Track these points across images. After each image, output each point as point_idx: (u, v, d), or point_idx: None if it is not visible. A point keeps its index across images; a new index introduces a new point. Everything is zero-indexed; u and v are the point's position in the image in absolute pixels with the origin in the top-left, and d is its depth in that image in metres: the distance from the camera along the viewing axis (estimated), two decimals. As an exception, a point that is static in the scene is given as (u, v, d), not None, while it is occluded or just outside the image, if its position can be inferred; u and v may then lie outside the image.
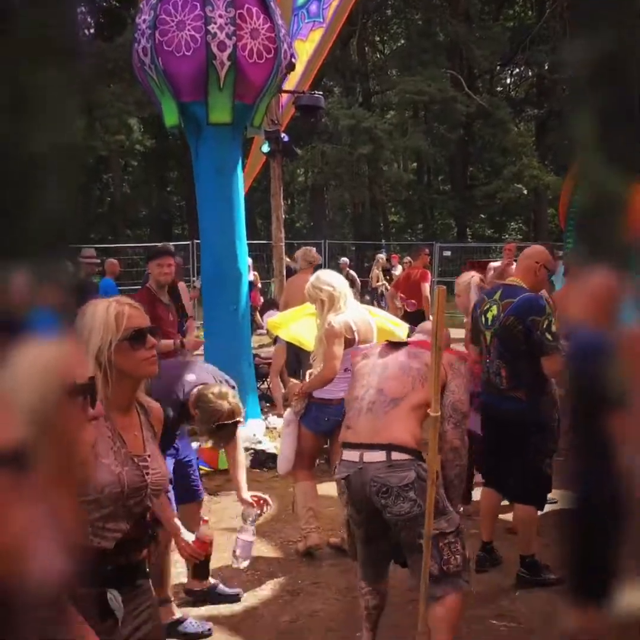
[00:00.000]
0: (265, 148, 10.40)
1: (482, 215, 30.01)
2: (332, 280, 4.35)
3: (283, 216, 12.64)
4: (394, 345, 3.30)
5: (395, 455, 2.94)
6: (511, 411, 3.97)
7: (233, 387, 3.47)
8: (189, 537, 3.18)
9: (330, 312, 4.27)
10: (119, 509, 1.96)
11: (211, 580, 3.77)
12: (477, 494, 4.44)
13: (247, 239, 7.05)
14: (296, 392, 4.40)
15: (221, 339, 6.56)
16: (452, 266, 19.01)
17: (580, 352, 1.92)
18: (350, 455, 3.06)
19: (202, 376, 3.40)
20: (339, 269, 13.66)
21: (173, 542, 3.38)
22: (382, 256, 16.42)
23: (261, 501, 3.49)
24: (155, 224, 26.92)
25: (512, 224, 32.49)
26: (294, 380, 4.62)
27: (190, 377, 3.35)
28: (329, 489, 5.20)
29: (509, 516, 4.28)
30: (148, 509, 2.06)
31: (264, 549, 4.60)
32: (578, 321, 2.06)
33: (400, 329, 5.21)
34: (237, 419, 3.28)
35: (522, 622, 3.66)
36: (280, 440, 4.60)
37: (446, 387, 3.04)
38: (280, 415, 7.64)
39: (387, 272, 15.87)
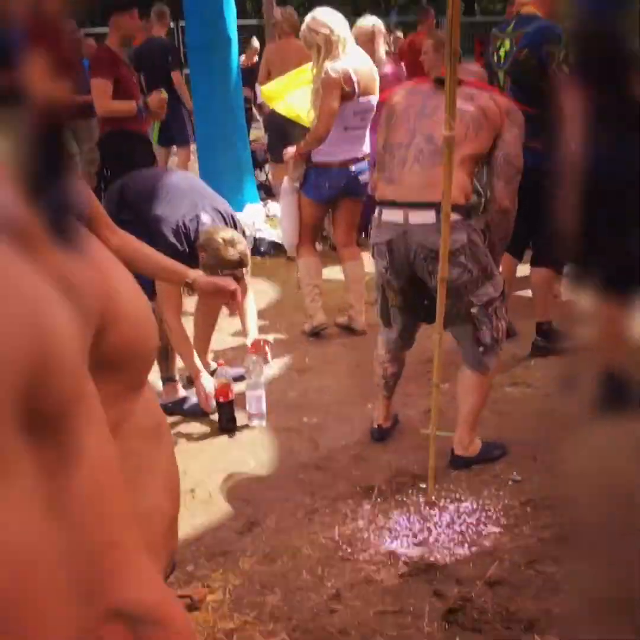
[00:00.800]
0: None
1: (493, -15, 27.38)
2: (329, 20, 3.80)
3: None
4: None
5: None
6: (527, 164, 3.57)
7: (243, 233, 3.33)
8: (208, 382, 3.25)
9: (326, 60, 3.76)
10: None
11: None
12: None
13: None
14: (292, 156, 4.01)
15: (212, 114, 6.03)
16: (461, 44, 17.50)
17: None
18: (393, 214, 2.72)
19: (216, 219, 3.23)
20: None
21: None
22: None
23: (262, 342, 3.31)
24: (138, 6, 24.77)
25: (525, -6, 29.75)
26: (289, 149, 4.17)
27: (205, 217, 3.16)
28: (332, 273, 5.01)
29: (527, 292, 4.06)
30: None
31: (269, 333, 4.45)
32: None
33: None
34: (244, 268, 3.09)
35: (537, 387, 3.55)
36: (280, 213, 4.25)
37: (500, 136, 2.65)
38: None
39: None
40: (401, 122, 2.80)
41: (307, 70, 5.35)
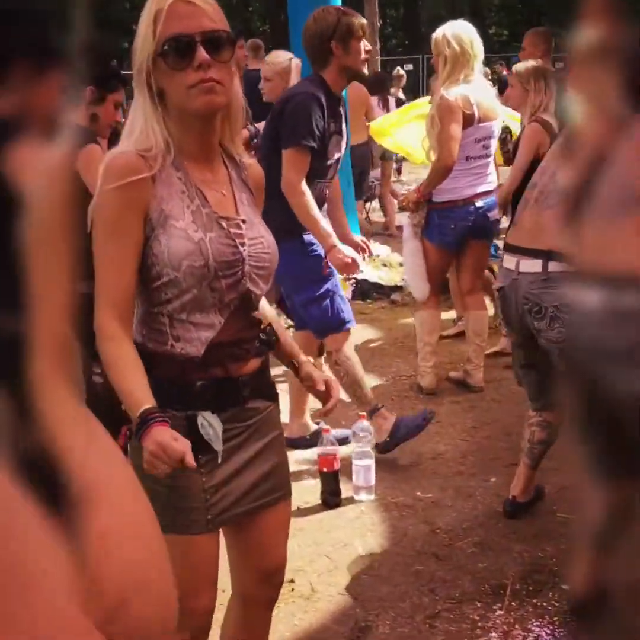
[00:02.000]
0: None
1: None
2: (463, 37, 3.45)
3: (379, 24, 11.28)
4: None
5: (554, 266, 2.26)
6: None
7: None
8: (346, 249, 2.91)
9: (446, 81, 3.45)
10: (206, 294, 1.36)
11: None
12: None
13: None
14: (413, 199, 3.64)
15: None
16: (566, 78, 16.94)
17: None
18: (508, 261, 2.45)
19: None
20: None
21: None
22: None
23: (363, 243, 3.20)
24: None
25: None
26: (408, 192, 3.84)
27: None
28: (444, 317, 4.59)
29: None
30: (250, 296, 1.43)
31: (374, 385, 4.06)
32: None
33: None
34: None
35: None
36: (404, 262, 3.87)
37: None
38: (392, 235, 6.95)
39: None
40: (546, 158, 2.53)
41: (415, 106, 5.06)
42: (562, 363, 2.25)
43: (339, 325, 3.05)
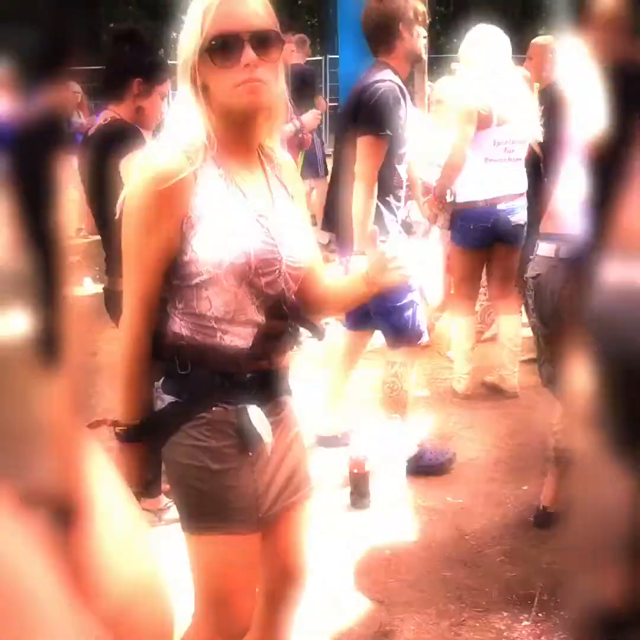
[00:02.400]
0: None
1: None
2: (481, 41, 3.49)
3: (428, 20, 11.19)
4: None
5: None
6: None
7: None
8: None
9: (467, 83, 3.54)
10: (245, 291, 1.37)
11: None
12: None
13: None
14: (435, 202, 3.62)
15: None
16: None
17: None
18: (545, 248, 2.42)
19: None
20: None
21: None
22: None
23: None
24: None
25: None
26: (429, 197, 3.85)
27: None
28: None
29: None
30: (284, 296, 1.44)
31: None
32: None
33: None
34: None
35: None
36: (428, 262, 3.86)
37: None
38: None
39: None
40: None
41: None
42: (598, 347, 2.19)
43: (416, 339, 3.00)
